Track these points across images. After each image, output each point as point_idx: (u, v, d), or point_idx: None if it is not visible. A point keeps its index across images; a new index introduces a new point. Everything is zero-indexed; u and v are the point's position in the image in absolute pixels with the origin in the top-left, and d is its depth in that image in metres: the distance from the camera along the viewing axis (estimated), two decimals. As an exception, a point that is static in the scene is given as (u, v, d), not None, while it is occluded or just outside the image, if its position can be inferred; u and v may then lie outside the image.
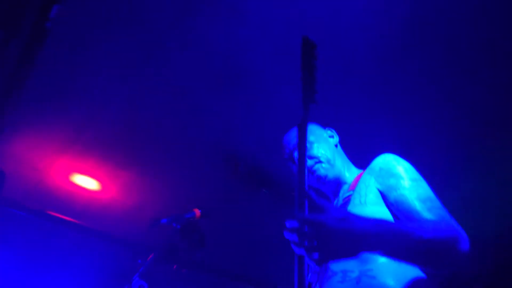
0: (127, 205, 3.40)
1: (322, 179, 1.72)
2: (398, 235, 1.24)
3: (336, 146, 1.88)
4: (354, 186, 1.68)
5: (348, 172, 1.79)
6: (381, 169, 1.61)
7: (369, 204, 1.55)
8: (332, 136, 1.89)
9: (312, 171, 1.72)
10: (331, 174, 1.73)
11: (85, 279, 3.58)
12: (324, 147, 1.79)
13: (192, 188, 3.36)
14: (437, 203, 1.46)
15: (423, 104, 2.74)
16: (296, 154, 1.62)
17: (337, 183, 1.76)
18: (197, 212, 2.10)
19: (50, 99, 2.66)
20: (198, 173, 3.29)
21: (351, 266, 1.42)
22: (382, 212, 1.52)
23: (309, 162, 1.72)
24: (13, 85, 1.61)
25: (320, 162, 1.74)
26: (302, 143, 1.40)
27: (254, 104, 2.87)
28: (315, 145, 1.77)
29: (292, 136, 1.83)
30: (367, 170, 1.68)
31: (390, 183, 1.56)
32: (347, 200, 1.64)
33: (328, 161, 1.75)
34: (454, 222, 1.39)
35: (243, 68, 2.57)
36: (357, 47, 2.45)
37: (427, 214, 1.41)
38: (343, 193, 1.73)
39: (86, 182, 3.26)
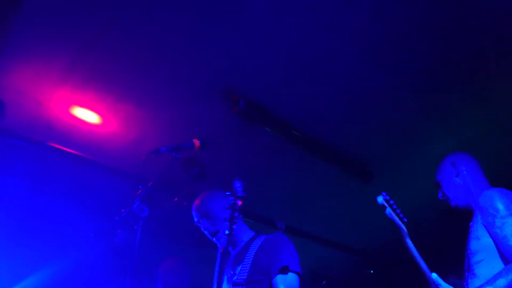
0: (127, 138, 3.42)
1: None
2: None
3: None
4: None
5: None
6: (481, 207, 2.01)
7: (481, 238, 1.99)
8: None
9: None
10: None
11: (86, 209, 3.68)
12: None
13: (193, 122, 3.37)
14: None
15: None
16: None
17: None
18: (196, 142, 2.12)
19: (47, 26, 2.58)
20: (200, 107, 3.28)
21: None
22: (491, 243, 1.95)
23: None
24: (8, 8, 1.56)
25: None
26: None
27: (256, 38, 2.81)
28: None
29: None
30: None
31: (488, 221, 1.95)
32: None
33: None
34: None
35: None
36: None
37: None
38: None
39: (86, 115, 3.25)
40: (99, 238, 2.54)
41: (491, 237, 1.96)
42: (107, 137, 3.39)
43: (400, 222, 2.12)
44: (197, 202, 2.56)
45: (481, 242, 2.01)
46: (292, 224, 4.74)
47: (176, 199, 3.75)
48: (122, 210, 1.93)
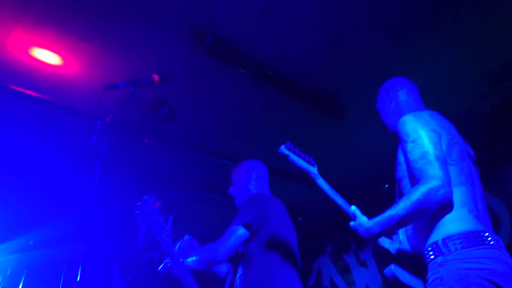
0: (90, 79, 3.32)
1: None
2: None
3: None
4: None
5: None
6: (398, 133, 2.03)
7: (403, 163, 2.03)
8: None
9: None
10: None
11: (48, 151, 3.64)
12: None
13: (159, 61, 3.27)
14: (422, 161, 1.87)
15: None
16: None
17: None
18: (156, 77, 2.05)
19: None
20: (166, 45, 3.17)
21: None
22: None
23: None
24: None
25: None
26: None
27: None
28: None
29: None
30: None
31: (403, 146, 2.00)
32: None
33: None
34: (430, 176, 1.82)
35: None
36: None
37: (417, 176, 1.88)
38: None
39: (46, 56, 3.11)
40: (64, 178, 2.51)
41: (405, 162, 2.00)
42: (70, 78, 3.28)
43: (307, 166, 2.13)
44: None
45: (402, 168, 2.05)
46: (269, 163, 4.78)
47: (146, 140, 3.72)
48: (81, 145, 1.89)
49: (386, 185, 5.32)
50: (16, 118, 3.52)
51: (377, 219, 1.88)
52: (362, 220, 1.93)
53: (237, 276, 2.62)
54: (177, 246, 2.64)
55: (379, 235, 1.90)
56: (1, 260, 4.13)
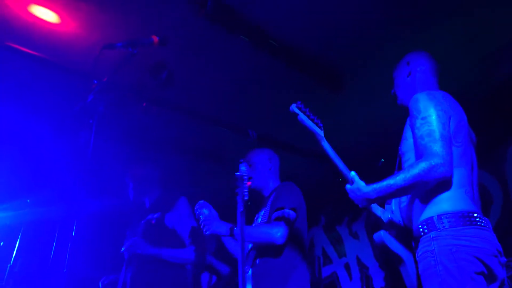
0: (88, 40, 3.27)
1: None
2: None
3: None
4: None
5: None
6: (409, 109, 2.09)
7: (408, 138, 2.10)
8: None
9: None
10: None
11: (44, 110, 3.62)
12: None
13: (159, 25, 3.22)
14: (428, 138, 1.92)
15: None
16: None
17: None
18: (155, 38, 2.02)
19: None
20: (166, 8, 3.12)
21: None
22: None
23: None
24: None
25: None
26: None
27: None
28: None
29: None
30: None
31: (412, 122, 2.04)
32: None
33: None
34: (433, 153, 1.87)
35: None
36: None
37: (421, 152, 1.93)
38: None
39: (45, 13, 3.07)
40: (60, 139, 2.52)
41: (412, 137, 2.05)
42: (67, 37, 3.24)
43: (314, 127, 2.17)
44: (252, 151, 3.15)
45: (408, 142, 2.11)
46: (265, 133, 4.79)
47: (144, 104, 3.70)
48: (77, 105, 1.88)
49: (382, 160, 5.36)
50: (11, 76, 3.49)
51: (375, 185, 1.95)
52: (360, 184, 2.00)
53: (256, 260, 2.72)
54: (206, 211, 2.72)
55: (374, 201, 1.97)
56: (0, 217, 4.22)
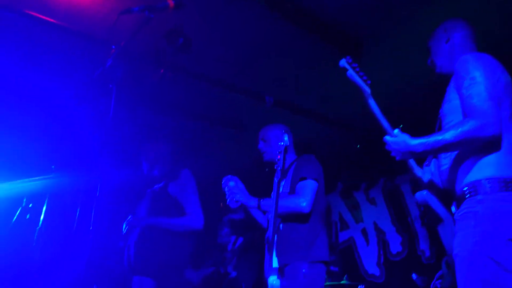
0: (103, 5, 3.26)
1: None
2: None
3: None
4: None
5: None
6: (456, 70, 2.05)
7: (452, 100, 2.06)
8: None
9: None
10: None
11: (66, 76, 3.65)
12: None
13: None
14: (478, 97, 1.89)
15: None
16: None
17: None
18: (171, 2, 2.01)
19: None
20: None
21: None
22: (459, 105, 2.01)
23: None
24: None
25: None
26: None
27: None
28: None
29: None
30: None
31: (458, 83, 2.01)
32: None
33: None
34: (484, 112, 1.85)
35: None
36: None
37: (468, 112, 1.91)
38: None
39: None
40: (82, 105, 2.57)
41: (459, 98, 2.01)
42: (84, 3, 3.24)
43: (362, 83, 2.11)
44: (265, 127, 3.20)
45: (451, 104, 2.07)
46: (282, 99, 4.78)
47: (162, 71, 3.72)
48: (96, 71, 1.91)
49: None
50: (32, 43, 3.53)
51: (422, 139, 1.92)
52: (405, 136, 1.98)
53: (280, 226, 2.81)
54: (233, 183, 2.83)
55: (419, 154, 1.95)
56: (24, 185, 4.36)
